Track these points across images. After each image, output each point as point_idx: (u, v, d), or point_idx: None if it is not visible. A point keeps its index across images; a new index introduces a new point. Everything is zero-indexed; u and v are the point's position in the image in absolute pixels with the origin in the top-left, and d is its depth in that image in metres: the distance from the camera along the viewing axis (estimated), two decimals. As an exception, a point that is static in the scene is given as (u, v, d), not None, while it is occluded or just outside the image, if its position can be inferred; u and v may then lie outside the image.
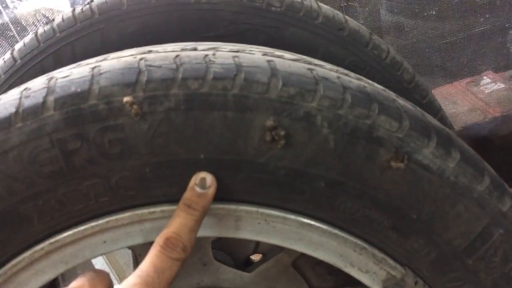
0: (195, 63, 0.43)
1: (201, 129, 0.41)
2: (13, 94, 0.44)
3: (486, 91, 1.52)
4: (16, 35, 1.05)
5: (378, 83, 0.63)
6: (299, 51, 0.65)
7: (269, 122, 0.41)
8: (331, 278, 0.73)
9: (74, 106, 0.41)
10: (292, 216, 0.45)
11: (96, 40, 0.65)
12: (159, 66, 0.43)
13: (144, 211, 0.44)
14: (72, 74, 0.43)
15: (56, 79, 0.43)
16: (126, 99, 0.40)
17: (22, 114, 0.41)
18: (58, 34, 0.66)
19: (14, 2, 1.02)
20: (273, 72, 0.43)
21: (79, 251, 0.45)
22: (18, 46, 0.68)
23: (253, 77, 0.42)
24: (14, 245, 0.44)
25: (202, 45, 0.48)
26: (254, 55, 0.46)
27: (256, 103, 0.41)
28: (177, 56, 0.44)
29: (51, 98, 0.41)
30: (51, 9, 1.10)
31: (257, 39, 0.67)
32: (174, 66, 0.42)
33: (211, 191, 0.42)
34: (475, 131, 1.35)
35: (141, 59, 0.44)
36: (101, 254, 0.46)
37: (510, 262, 0.46)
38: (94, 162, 0.41)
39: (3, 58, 0.69)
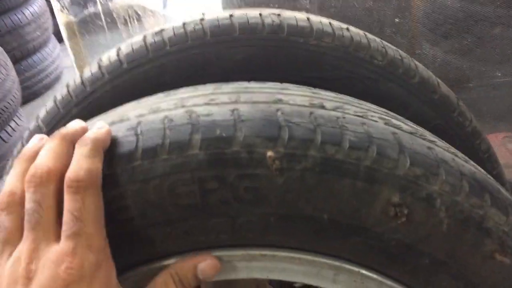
0: (330, 126, 0.46)
1: (331, 192, 0.44)
2: (155, 122, 0.47)
3: (520, 149, 1.55)
4: (104, 25, 1.08)
5: (458, 149, 0.66)
6: (392, 105, 0.68)
7: (395, 199, 0.44)
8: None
9: (219, 149, 0.44)
10: (389, 282, 0.48)
11: (208, 60, 0.68)
12: (298, 124, 0.45)
13: (257, 252, 0.47)
14: (214, 115, 0.46)
15: (198, 116, 0.46)
16: (269, 153, 0.43)
17: (169, 147, 0.44)
18: (168, 48, 0.69)
19: (110, -5, 1.05)
20: (401, 148, 0.46)
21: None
22: (125, 50, 0.70)
23: (384, 151, 0.45)
24: (127, 263, 0.47)
25: (328, 102, 0.51)
26: (379, 123, 0.49)
27: (385, 177, 0.44)
28: (311, 113, 0.47)
29: (196, 137, 0.44)
30: (143, 7, 1.13)
31: (355, 88, 0.69)
32: (311, 126, 0.45)
33: None
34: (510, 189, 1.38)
35: (277, 110, 0.47)
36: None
37: None
38: (227, 203, 0.44)
39: (109, 58, 0.71)
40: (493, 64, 1.12)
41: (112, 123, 0.50)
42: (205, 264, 0.46)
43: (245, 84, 0.57)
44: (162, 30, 0.71)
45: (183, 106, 0.50)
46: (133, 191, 0.44)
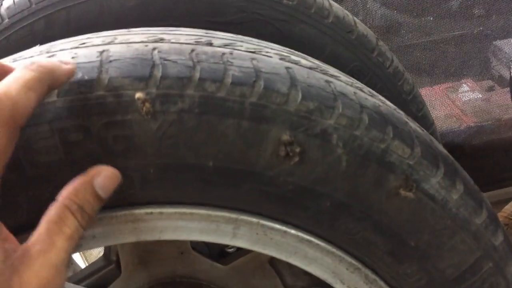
0: (212, 62, 0.41)
1: (213, 135, 0.39)
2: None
3: (464, 99, 1.55)
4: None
5: (379, 91, 0.62)
6: (305, 48, 0.63)
7: (285, 137, 0.39)
8: (306, 278, 0.73)
9: (80, 95, 0.38)
10: (293, 231, 0.44)
11: (94, 9, 0.61)
12: (175, 61, 0.40)
13: (141, 211, 0.42)
14: (78, 57, 0.40)
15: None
16: (138, 95, 0.38)
17: (21, 96, 0.37)
18: (53, -2, 0.61)
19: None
20: (293, 82, 0.41)
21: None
22: (6, 4, 0.62)
23: (273, 86, 0.40)
24: None
25: (217, 39, 0.46)
26: (272, 58, 0.44)
27: (273, 114, 0.39)
28: (192, 51, 0.42)
29: (54, 82, 0.38)
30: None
31: (265, 31, 0.64)
32: (190, 63, 0.40)
33: None
34: (450, 138, 1.38)
35: (154, 48, 0.41)
36: (90, 248, 0.44)
37: (494, 294, 0.48)
38: (95, 157, 0.39)
39: (-12, 14, 0.63)
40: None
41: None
42: (103, 177, 0.38)
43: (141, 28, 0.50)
44: (47, -21, 0.63)
45: (47, 52, 0.43)
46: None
